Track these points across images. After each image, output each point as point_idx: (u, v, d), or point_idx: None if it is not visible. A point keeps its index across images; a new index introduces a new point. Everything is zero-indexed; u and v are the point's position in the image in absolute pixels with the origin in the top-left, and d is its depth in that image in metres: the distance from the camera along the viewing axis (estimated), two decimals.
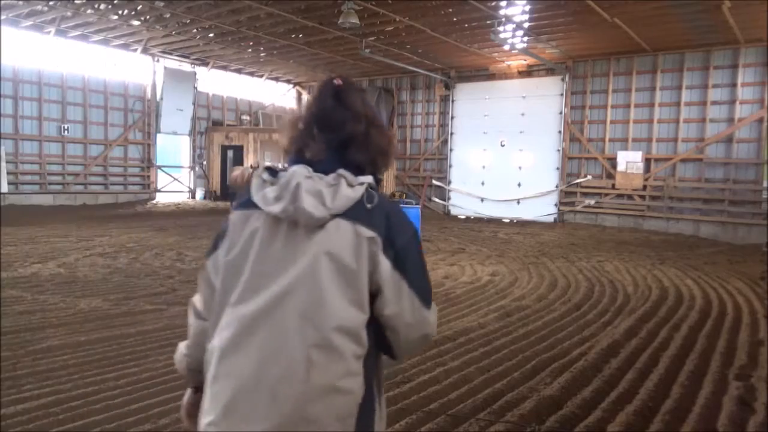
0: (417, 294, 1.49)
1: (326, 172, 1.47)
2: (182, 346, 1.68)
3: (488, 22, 14.43)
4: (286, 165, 1.55)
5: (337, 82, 1.59)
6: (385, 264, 1.44)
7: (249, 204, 1.50)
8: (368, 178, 1.50)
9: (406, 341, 1.52)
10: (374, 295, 1.45)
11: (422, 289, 1.51)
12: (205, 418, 1.42)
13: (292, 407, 1.35)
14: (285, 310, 1.39)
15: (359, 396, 1.42)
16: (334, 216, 1.42)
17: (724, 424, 3.72)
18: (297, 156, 1.55)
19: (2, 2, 14.41)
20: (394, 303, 1.45)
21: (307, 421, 1.35)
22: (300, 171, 1.46)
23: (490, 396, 4.06)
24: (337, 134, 1.53)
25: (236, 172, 16.61)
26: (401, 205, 11.96)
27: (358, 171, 1.51)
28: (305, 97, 25.60)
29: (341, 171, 1.46)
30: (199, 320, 1.61)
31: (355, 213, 1.44)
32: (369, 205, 1.45)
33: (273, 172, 1.51)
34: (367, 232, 1.43)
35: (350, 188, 1.45)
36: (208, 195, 22.32)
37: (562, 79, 18.21)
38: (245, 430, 1.35)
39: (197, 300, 1.63)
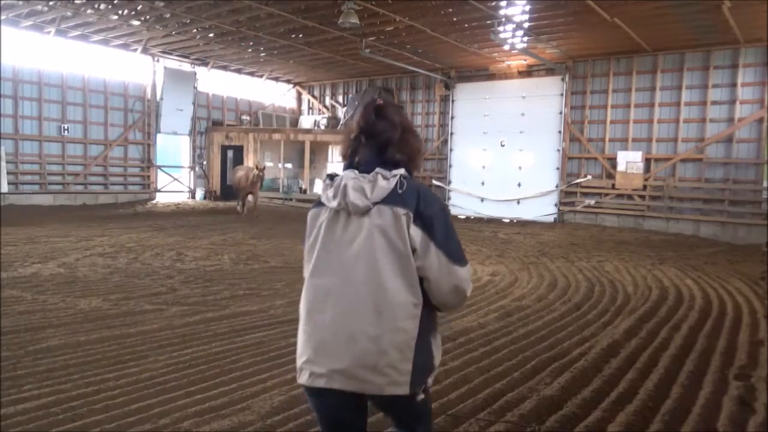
0: (443, 251, 1.95)
1: (368, 172, 1.99)
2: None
3: (488, 22, 14.43)
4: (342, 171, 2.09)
5: (378, 102, 2.13)
6: (415, 230, 1.93)
7: (319, 203, 2.08)
8: (401, 171, 2.01)
9: (438, 291, 1.98)
10: (417, 256, 1.94)
11: (449, 248, 1.97)
12: (301, 359, 2.02)
13: (366, 345, 1.88)
14: (351, 276, 1.93)
15: (414, 335, 1.93)
16: (375, 203, 1.95)
17: (724, 424, 3.72)
18: (349, 161, 2.09)
19: (2, 2, 14.41)
20: (423, 258, 1.94)
21: (377, 354, 1.88)
22: (347, 174, 2.00)
23: (490, 396, 4.06)
24: (377, 140, 2.05)
25: (241, 173, 16.62)
26: None
27: (394, 167, 2.02)
28: (305, 97, 25.61)
29: (378, 169, 1.98)
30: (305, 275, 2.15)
31: (391, 198, 1.95)
32: (400, 191, 1.96)
33: (332, 177, 2.04)
34: (402, 210, 1.94)
35: (385, 181, 1.96)
36: (208, 195, 22.32)
37: (562, 79, 18.21)
38: (331, 366, 1.91)
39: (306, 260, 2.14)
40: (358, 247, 1.94)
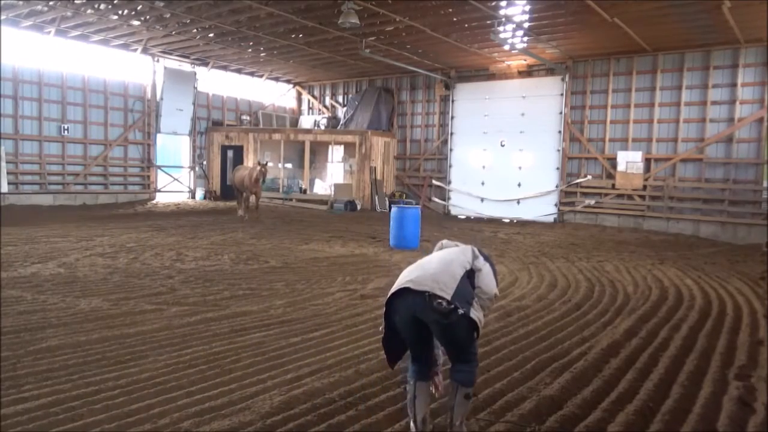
0: (492, 275, 3.31)
1: None
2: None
3: (488, 22, 14.43)
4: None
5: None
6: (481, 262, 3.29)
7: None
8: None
9: (481, 294, 3.24)
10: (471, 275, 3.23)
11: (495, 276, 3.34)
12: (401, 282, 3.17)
13: (428, 269, 3.16)
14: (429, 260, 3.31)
15: (460, 274, 3.15)
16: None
17: (724, 424, 3.73)
18: None
19: (2, 2, 14.41)
20: (479, 269, 3.23)
21: (439, 279, 3.06)
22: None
23: (490, 396, 4.06)
24: None
25: (243, 172, 16.60)
26: (401, 205, 12.23)
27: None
28: (305, 97, 25.61)
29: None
30: None
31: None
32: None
33: None
34: (469, 255, 3.31)
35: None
36: (208, 195, 22.31)
37: (562, 79, 18.21)
38: (405, 279, 3.16)
39: None
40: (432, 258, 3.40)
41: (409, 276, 3.14)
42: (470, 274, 3.17)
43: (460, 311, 2.98)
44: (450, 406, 3.26)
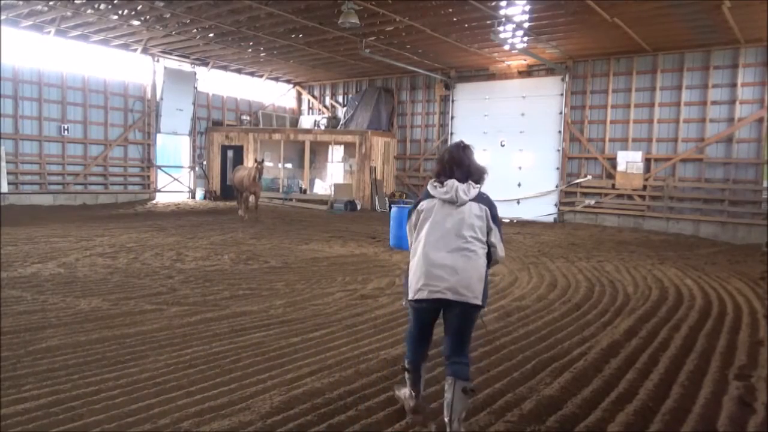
0: (500, 234, 3.50)
1: (463, 182, 3.42)
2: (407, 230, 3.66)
3: (488, 22, 14.43)
4: (440, 179, 3.48)
5: (463, 144, 3.61)
6: (490, 221, 3.44)
7: (430, 196, 3.46)
8: (479, 187, 3.50)
9: (495, 255, 3.51)
10: (487, 233, 3.44)
11: (501, 233, 3.51)
12: (413, 278, 3.39)
13: (464, 276, 3.25)
14: (454, 236, 3.32)
15: (484, 270, 3.39)
16: (470, 200, 3.40)
17: (724, 424, 3.73)
18: (447, 176, 3.46)
19: (2, 2, 14.41)
20: (492, 236, 3.45)
21: (468, 286, 3.24)
22: (454, 182, 3.41)
23: (490, 396, 4.06)
24: (463, 168, 3.48)
25: (243, 172, 16.59)
26: (401, 205, 12.09)
27: (476, 183, 3.48)
28: (305, 97, 25.61)
29: (470, 182, 3.45)
30: (411, 240, 3.56)
31: (477, 199, 3.43)
32: (483, 196, 3.49)
33: (442, 183, 3.43)
34: (483, 207, 3.45)
35: (475, 189, 3.45)
36: (208, 195, 22.31)
37: (562, 79, 18.22)
38: (440, 283, 3.25)
39: (410, 229, 3.58)
40: (455, 220, 3.37)
41: (442, 280, 3.27)
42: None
43: (484, 309, 3.42)
44: (448, 403, 3.29)
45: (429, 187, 3.49)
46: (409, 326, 3.66)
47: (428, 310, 3.44)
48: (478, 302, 3.27)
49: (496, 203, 3.62)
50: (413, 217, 3.52)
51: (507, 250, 12.05)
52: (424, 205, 3.45)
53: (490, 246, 3.44)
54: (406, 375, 3.67)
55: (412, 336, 3.61)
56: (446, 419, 3.30)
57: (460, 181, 3.40)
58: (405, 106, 22.23)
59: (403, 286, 3.64)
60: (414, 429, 3.54)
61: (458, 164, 3.45)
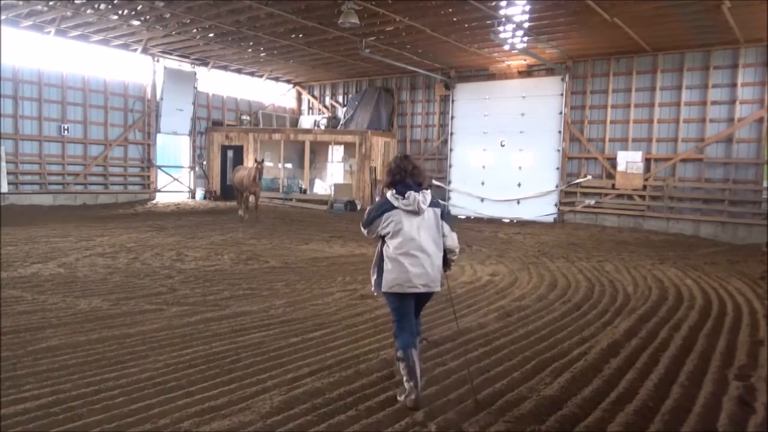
0: (449, 226, 4.14)
1: (418, 191, 3.96)
2: (363, 231, 4.17)
3: (488, 22, 14.42)
4: (393, 190, 4.03)
5: (405, 155, 4.25)
6: (440, 219, 4.07)
7: (393, 207, 3.97)
8: (428, 191, 4.06)
9: (446, 243, 4.11)
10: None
11: (450, 226, 4.15)
12: (388, 275, 3.98)
13: (430, 272, 3.97)
14: (420, 241, 3.94)
15: (441, 262, 4.10)
16: (428, 207, 3.99)
17: (724, 424, 3.72)
18: (401, 186, 4.01)
19: (2, 2, 14.41)
20: (444, 230, 4.09)
21: (433, 279, 4.00)
22: (414, 194, 3.94)
23: (490, 396, 4.06)
24: (414, 176, 4.05)
25: (243, 173, 16.59)
26: None
27: (424, 188, 4.04)
28: (305, 97, 25.61)
29: (423, 190, 4.00)
30: (367, 232, 4.15)
31: (432, 204, 4.03)
32: (434, 200, 4.07)
33: (401, 194, 3.96)
34: (437, 210, 4.07)
35: (428, 196, 4.02)
36: (208, 195, 22.31)
37: (562, 79, 18.21)
38: (416, 280, 3.93)
39: (372, 228, 4.08)
40: (422, 227, 4.00)
41: (416, 277, 3.96)
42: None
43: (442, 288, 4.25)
44: (406, 373, 3.92)
45: (391, 199, 3.99)
46: (395, 317, 4.13)
47: (409, 300, 4.10)
48: (439, 288, 4.13)
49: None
50: (382, 223, 4.01)
51: (507, 250, 12.18)
52: (393, 215, 3.97)
53: (444, 237, 4.10)
54: (401, 366, 3.95)
55: (402, 322, 4.09)
56: (412, 380, 3.88)
57: (413, 187, 3.99)
58: (405, 106, 22.23)
59: (373, 278, 4.16)
60: (414, 429, 3.54)
61: (410, 173, 4.04)
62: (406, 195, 3.95)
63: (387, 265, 4.00)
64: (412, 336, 4.04)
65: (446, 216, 4.16)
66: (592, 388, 4.28)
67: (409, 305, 4.09)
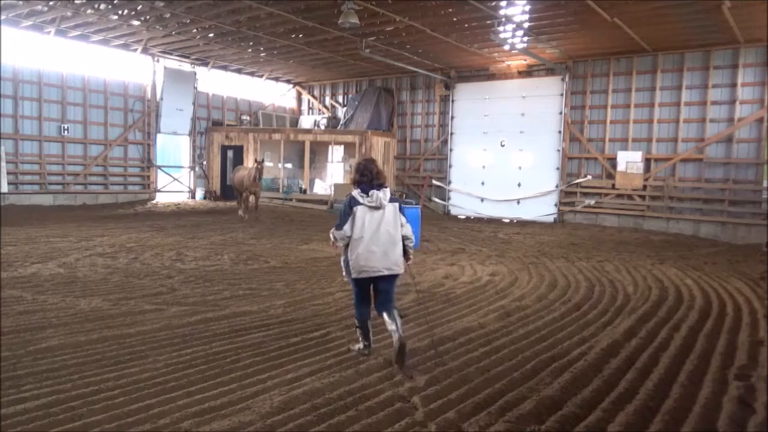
0: (408, 223, 4.96)
1: (379, 189, 4.76)
2: (338, 234, 4.83)
3: (488, 22, 14.42)
4: (359, 189, 4.81)
5: (370, 158, 5.10)
6: (400, 214, 4.90)
7: (359, 203, 4.73)
8: (388, 189, 4.85)
9: (404, 231, 4.91)
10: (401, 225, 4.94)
11: (406, 218, 4.98)
12: (355, 264, 4.75)
13: (390, 257, 4.76)
14: (381, 232, 4.73)
15: (401, 254, 4.90)
16: (388, 202, 4.78)
17: (724, 424, 3.72)
18: (365, 185, 4.78)
19: (2, 2, 14.41)
20: (404, 225, 4.91)
21: (395, 263, 4.79)
22: (377, 191, 4.74)
23: (490, 396, 4.06)
24: (377, 178, 4.82)
25: (243, 173, 16.60)
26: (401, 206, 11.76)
27: (384, 187, 4.82)
28: (305, 97, 25.61)
29: (384, 188, 4.81)
30: (344, 233, 4.78)
31: (392, 200, 4.84)
32: (393, 197, 4.89)
33: (365, 192, 4.75)
34: (396, 205, 4.88)
35: (388, 193, 4.81)
36: (208, 195, 22.31)
37: (562, 79, 18.22)
38: (379, 264, 4.73)
39: (347, 228, 4.76)
40: (383, 221, 4.74)
41: (378, 262, 4.73)
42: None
43: (400, 275, 4.96)
44: (394, 328, 4.65)
45: (357, 196, 4.75)
46: (355, 296, 4.97)
47: (368, 283, 4.87)
48: (401, 271, 4.87)
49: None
50: (350, 216, 4.74)
51: (507, 250, 12.19)
52: (358, 210, 4.71)
53: (402, 227, 4.89)
54: (358, 331, 5.00)
55: (360, 302, 4.95)
56: (395, 336, 4.58)
57: (376, 185, 4.76)
58: (405, 106, 22.22)
59: (343, 266, 4.96)
60: (414, 429, 3.55)
61: (374, 175, 4.80)
62: (369, 193, 4.70)
63: (354, 255, 4.73)
64: (367, 310, 4.97)
65: (403, 210, 4.97)
66: (592, 388, 4.28)
67: (368, 287, 4.90)
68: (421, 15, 14.28)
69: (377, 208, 4.72)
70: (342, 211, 4.81)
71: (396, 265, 4.78)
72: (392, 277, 4.87)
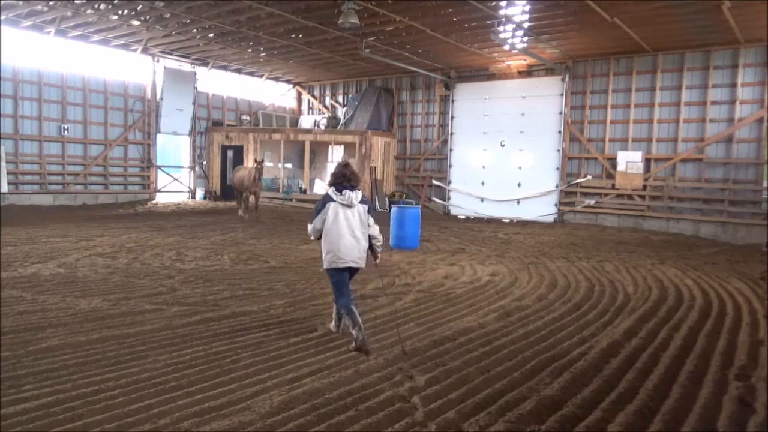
0: (372, 219, 5.44)
1: (352, 190, 5.30)
2: (310, 227, 5.39)
3: (488, 22, 14.43)
4: (334, 188, 5.34)
5: (346, 162, 5.63)
6: (368, 215, 5.39)
7: (332, 200, 5.24)
8: (360, 191, 5.42)
9: (371, 231, 5.41)
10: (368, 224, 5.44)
11: (377, 221, 5.55)
12: (327, 255, 5.26)
13: (355, 252, 5.28)
14: (351, 226, 5.26)
15: (366, 248, 5.42)
16: (359, 203, 5.31)
17: (724, 424, 3.72)
18: (340, 186, 5.30)
19: (2, 2, 14.41)
20: (370, 221, 5.40)
21: (360, 257, 5.32)
22: (350, 191, 5.28)
23: (490, 396, 4.06)
24: (351, 180, 5.35)
25: (243, 173, 16.60)
26: (401, 205, 12.48)
27: (357, 189, 5.38)
28: (305, 97, 25.61)
29: (357, 190, 5.36)
30: (317, 227, 5.30)
31: (362, 201, 5.36)
32: (363, 199, 5.40)
33: (339, 191, 5.27)
34: (366, 206, 5.38)
35: (359, 194, 5.36)
36: (208, 195, 22.31)
37: (562, 79, 18.22)
38: (347, 257, 5.24)
39: (318, 221, 5.29)
40: (352, 218, 5.24)
41: (346, 254, 5.21)
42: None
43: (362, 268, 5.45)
44: (358, 321, 5.08)
45: (331, 194, 5.24)
46: (333, 287, 5.36)
47: (343, 272, 5.30)
48: (363, 265, 5.37)
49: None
50: (322, 213, 5.23)
51: (507, 250, 12.19)
52: (330, 206, 5.20)
53: (369, 227, 5.34)
54: (347, 319, 5.23)
55: (340, 290, 5.29)
56: (357, 327, 5.02)
57: (349, 186, 5.27)
58: (405, 106, 22.22)
59: (322, 257, 5.35)
60: (414, 429, 3.55)
61: (349, 177, 5.30)
62: (342, 192, 5.22)
63: (326, 248, 5.23)
64: (349, 299, 5.30)
65: (372, 211, 5.43)
66: (592, 388, 4.28)
67: (344, 277, 5.32)
68: (421, 15, 14.28)
69: (348, 206, 5.21)
70: (317, 207, 5.31)
71: (360, 260, 5.29)
72: (355, 270, 5.38)
